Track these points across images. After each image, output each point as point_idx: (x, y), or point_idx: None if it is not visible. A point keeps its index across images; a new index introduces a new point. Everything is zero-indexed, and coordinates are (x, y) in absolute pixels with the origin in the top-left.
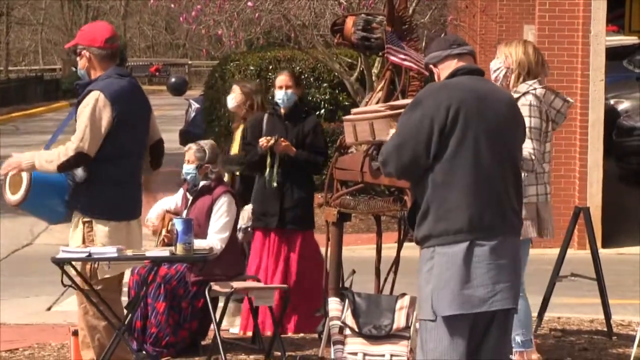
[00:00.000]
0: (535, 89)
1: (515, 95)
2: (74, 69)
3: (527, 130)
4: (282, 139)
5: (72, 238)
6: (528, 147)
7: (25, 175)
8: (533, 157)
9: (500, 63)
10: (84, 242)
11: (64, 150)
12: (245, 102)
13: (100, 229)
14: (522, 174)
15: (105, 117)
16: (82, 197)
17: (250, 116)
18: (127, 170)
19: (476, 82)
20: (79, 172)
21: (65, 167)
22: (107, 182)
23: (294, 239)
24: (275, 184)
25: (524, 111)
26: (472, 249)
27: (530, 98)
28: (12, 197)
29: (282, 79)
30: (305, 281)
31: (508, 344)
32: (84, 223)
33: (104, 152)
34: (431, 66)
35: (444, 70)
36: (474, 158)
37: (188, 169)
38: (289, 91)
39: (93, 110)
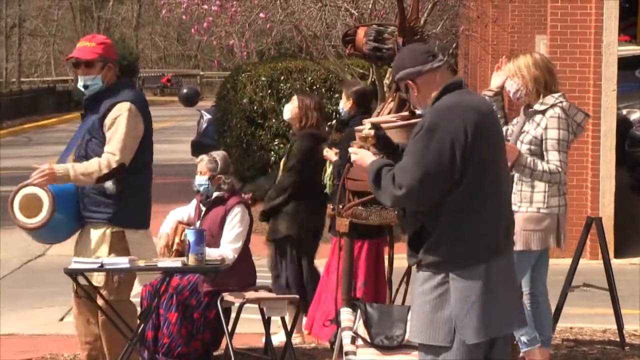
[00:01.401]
0: (562, 102)
1: (543, 107)
2: (81, 87)
3: (555, 142)
4: (325, 148)
5: (96, 250)
6: (555, 160)
7: (46, 199)
8: (560, 170)
9: (519, 85)
10: (110, 252)
11: (105, 162)
12: (299, 116)
13: (133, 238)
14: (543, 185)
15: (139, 127)
16: (113, 209)
17: (302, 132)
18: (148, 179)
19: (467, 96)
20: (110, 185)
21: (104, 179)
22: (134, 192)
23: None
24: (326, 190)
25: (553, 123)
26: (488, 272)
27: (559, 111)
28: (28, 221)
29: None
30: (369, 287)
31: (510, 353)
32: (112, 234)
33: (132, 163)
34: (409, 81)
35: (424, 85)
36: (489, 179)
37: (200, 180)
38: (341, 102)
39: (128, 121)
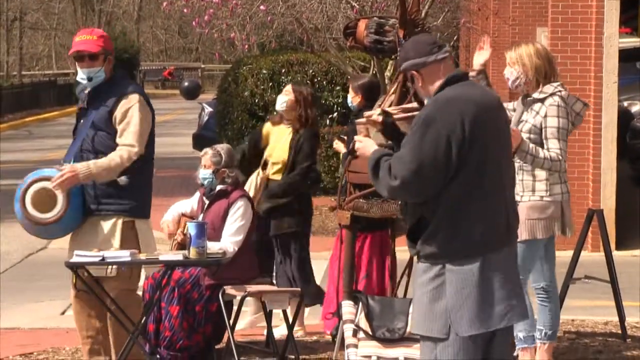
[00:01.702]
0: (560, 91)
1: (542, 96)
2: (84, 79)
3: (554, 130)
4: (336, 140)
5: (106, 241)
6: (555, 148)
7: (60, 194)
8: (560, 157)
9: (519, 73)
10: (122, 242)
11: (127, 155)
12: (296, 109)
13: (143, 228)
14: (545, 173)
15: (149, 118)
16: (124, 199)
17: (307, 131)
18: (151, 169)
19: (470, 89)
20: (123, 177)
21: (124, 172)
22: (143, 182)
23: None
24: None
25: (553, 111)
26: (485, 265)
27: (558, 99)
28: (42, 216)
29: None
30: (374, 280)
31: (510, 346)
32: (123, 223)
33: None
34: (414, 72)
35: (429, 76)
36: (488, 173)
37: (205, 173)
38: (349, 96)
39: (141, 112)
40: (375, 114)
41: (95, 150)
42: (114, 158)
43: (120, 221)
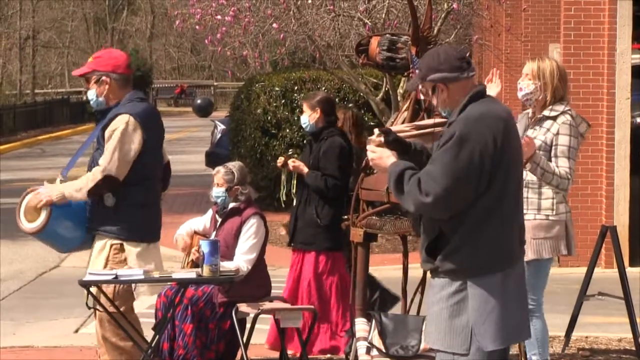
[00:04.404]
0: (570, 110)
1: (554, 114)
2: (88, 97)
3: (565, 148)
4: (292, 159)
5: (94, 262)
6: (565, 166)
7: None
8: (569, 176)
9: (536, 88)
10: (106, 265)
11: (92, 175)
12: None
13: (132, 251)
14: (551, 192)
15: (136, 140)
16: (112, 221)
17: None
18: (152, 192)
19: (493, 105)
20: (109, 198)
21: (95, 191)
22: (135, 205)
23: (306, 258)
24: (282, 199)
25: (565, 130)
26: (505, 279)
27: (570, 118)
28: (28, 225)
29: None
30: (314, 301)
31: None
32: (111, 246)
33: (132, 176)
34: (440, 84)
35: (456, 91)
36: (510, 188)
37: (217, 192)
38: (304, 116)
39: (123, 133)
40: (374, 136)
41: (94, 166)
42: (81, 179)
43: (109, 243)
